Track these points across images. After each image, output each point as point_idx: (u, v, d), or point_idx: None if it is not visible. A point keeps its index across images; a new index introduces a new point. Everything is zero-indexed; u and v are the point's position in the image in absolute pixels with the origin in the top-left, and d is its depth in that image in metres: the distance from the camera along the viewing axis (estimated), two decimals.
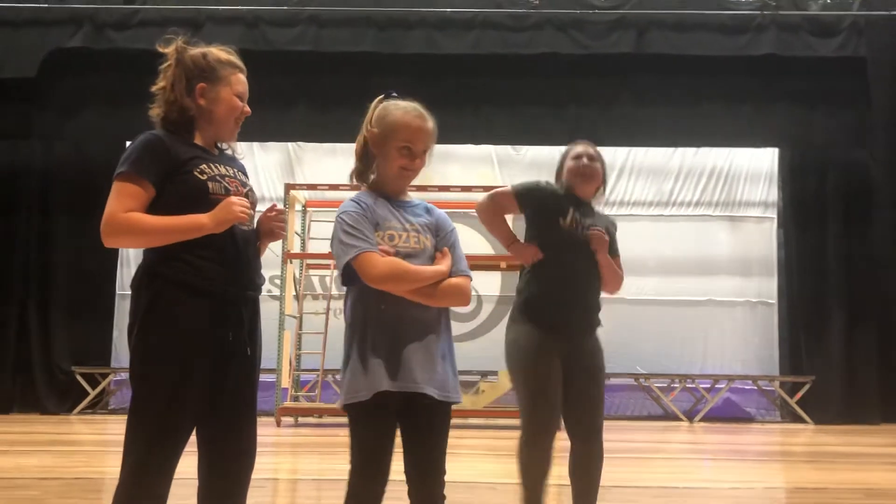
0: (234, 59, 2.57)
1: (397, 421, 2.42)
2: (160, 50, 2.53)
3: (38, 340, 10.88)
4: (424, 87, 10.94)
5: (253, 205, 2.53)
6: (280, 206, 11.19)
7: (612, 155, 11.61)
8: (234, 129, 2.57)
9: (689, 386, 11.06)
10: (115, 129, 11.03)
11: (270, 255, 10.18)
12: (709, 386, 11.01)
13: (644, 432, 9.49)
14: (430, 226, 2.54)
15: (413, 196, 2.65)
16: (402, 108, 2.54)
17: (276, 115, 11.32)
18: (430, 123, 2.55)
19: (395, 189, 2.57)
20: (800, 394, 10.74)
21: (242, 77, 2.57)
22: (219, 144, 2.60)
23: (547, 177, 12.36)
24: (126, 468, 2.32)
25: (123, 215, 2.31)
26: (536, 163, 11.55)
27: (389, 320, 2.41)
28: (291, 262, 9.92)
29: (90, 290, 11.03)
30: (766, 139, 11.53)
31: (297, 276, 10.48)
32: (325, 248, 10.36)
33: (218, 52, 2.55)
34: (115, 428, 9.23)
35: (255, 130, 11.34)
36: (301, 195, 10.56)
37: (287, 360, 9.62)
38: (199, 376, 2.33)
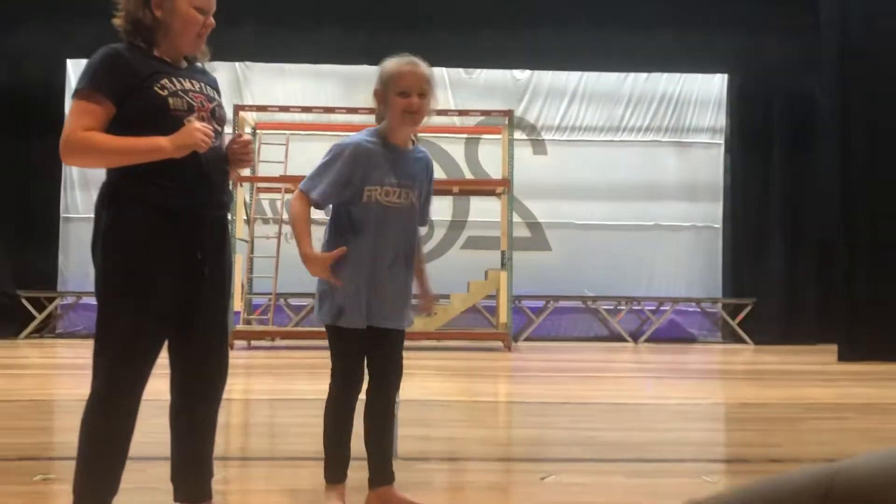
0: None
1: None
2: None
3: None
4: (376, 9, 10.75)
5: (220, 120, 2.48)
6: (227, 129, 10.97)
7: (565, 80, 11.60)
8: (197, 42, 2.45)
9: (636, 308, 11.34)
10: (54, 47, 10.67)
11: None
12: (654, 308, 11.31)
13: (591, 352, 9.75)
14: (419, 178, 2.77)
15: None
16: (394, 60, 2.69)
17: (224, 34, 10.96)
18: (422, 68, 2.67)
19: (402, 137, 2.73)
20: (741, 315, 11.11)
21: None
22: (189, 57, 2.51)
23: (500, 100, 12.18)
24: (95, 383, 2.33)
25: (81, 134, 2.27)
26: (489, 85, 11.50)
27: (365, 250, 2.67)
28: (242, 186, 9.81)
29: (33, 215, 10.80)
30: (715, 65, 11.62)
31: (248, 200, 10.38)
32: (276, 171, 10.29)
33: None
34: (64, 352, 9.17)
35: None
36: (250, 117, 10.38)
37: (239, 284, 9.59)
38: (163, 291, 2.33)
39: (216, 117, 2.45)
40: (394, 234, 2.69)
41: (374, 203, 2.66)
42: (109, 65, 2.31)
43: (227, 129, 11.91)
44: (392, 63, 2.67)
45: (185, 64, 2.48)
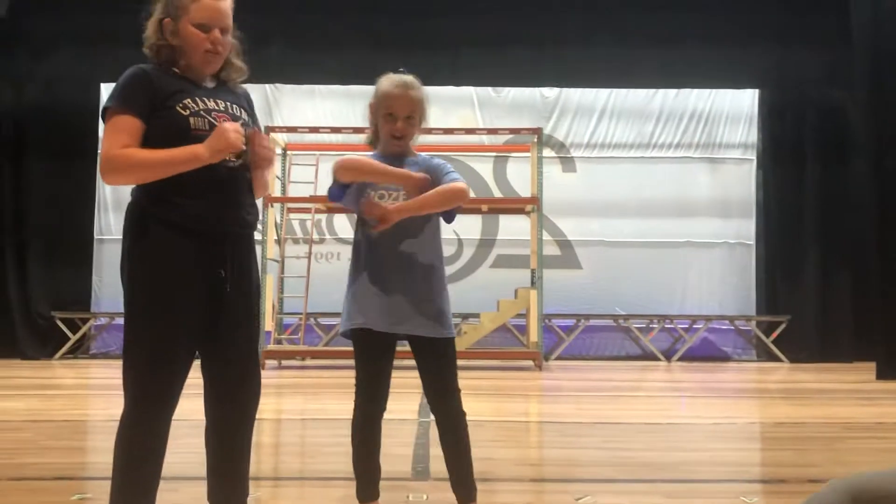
0: None
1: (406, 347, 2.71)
2: None
3: (15, 286, 10.81)
4: (405, 29, 10.81)
5: (249, 138, 2.46)
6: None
7: (593, 97, 11.58)
8: (208, 58, 2.44)
9: (668, 326, 11.22)
10: (88, 71, 10.86)
11: None
12: (687, 326, 11.18)
13: (623, 371, 9.64)
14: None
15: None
16: (389, 80, 2.71)
17: (253, 56, 11.11)
18: (414, 92, 2.69)
19: (392, 152, 2.73)
20: (776, 333, 10.94)
21: (209, 3, 2.43)
22: (221, 76, 2.53)
23: (528, 118, 12.20)
24: (126, 405, 2.35)
25: (120, 152, 2.31)
26: (517, 104, 11.50)
27: (379, 255, 2.64)
28: (273, 206, 9.88)
29: (68, 236, 10.95)
30: (746, 80, 11.53)
31: (278, 220, 10.45)
32: (306, 191, 10.35)
33: None
34: (97, 372, 9.26)
35: None
36: (280, 138, 10.47)
37: (270, 304, 9.64)
38: (188, 311, 2.35)
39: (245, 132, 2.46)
40: (392, 237, 2.61)
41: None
42: (135, 81, 2.36)
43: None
44: (385, 83, 2.71)
45: (212, 84, 2.50)
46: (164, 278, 2.33)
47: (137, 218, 2.37)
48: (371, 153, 2.78)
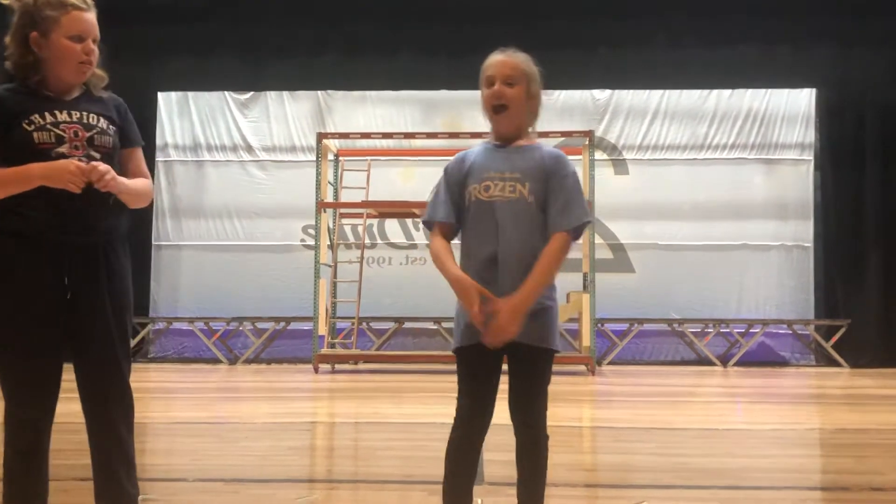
0: None
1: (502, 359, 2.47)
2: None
3: None
4: (453, 34, 10.84)
5: (102, 147, 2.47)
6: (310, 156, 11.01)
7: (646, 98, 11.46)
8: (81, 69, 2.47)
9: (724, 331, 11.03)
10: (144, 80, 11.07)
11: (305, 204, 10.24)
12: (743, 330, 10.97)
13: (678, 376, 9.51)
14: (534, 172, 2.41)
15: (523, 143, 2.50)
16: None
17: (305, 64, 11.30)
18: (515, 55, 2.47)
19: (500, 132, 2.47)
20: (835, 337, 10.68)
21: (79, 14, 2.44)
22: (88, 85, 2.54)
23: (580, 120, 12.13)
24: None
25: None
26: (569, 106, 11.43)
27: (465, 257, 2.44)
28: (325, 212, 9.98)
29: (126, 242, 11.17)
30: (803, 79, 11.29)
31: (331, 225, 10.55)
32: (358, 196, 10.43)
33: None
34: (155, 376, 9.43)
35: (285, 79, 11.43)
36: (333, 144, 10.57)
37: (323, 309, 9.73)
38: (30, 319, 2.41)
39: (95, 144, 2.46)
40: (492, 230, 2.36)
41: (473, 202, 2.41)
42: None
43: (301, 157, 12.10)
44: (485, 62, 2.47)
45: (77, 92, 2.53)
46: (8, 294, 2.40)
47: None
48: (485, 142, 2.52)
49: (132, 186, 2.52)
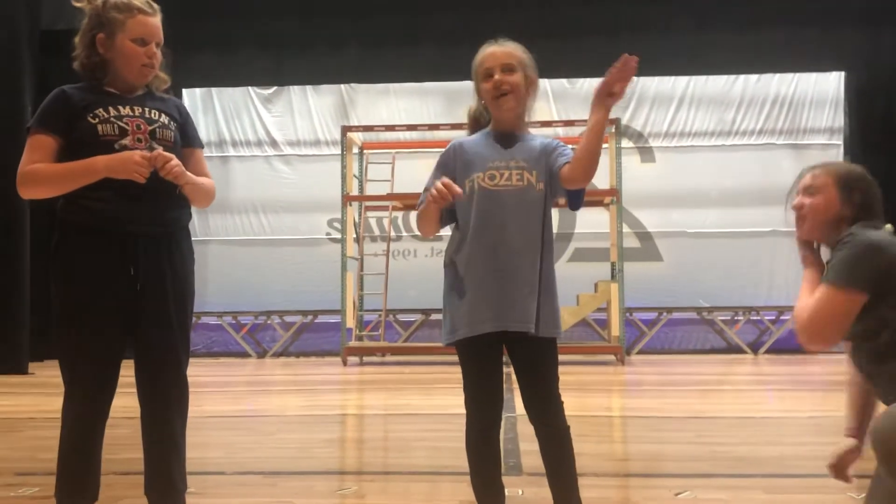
0: (135, 1, 2.52)
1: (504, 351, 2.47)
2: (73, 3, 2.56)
3: None
4: (475, 24, 10.75)
5: (164, 140, 2.51)
6: (335, 149, 11.04)
7: (671, 84, 11.34)
8: (144, 71, 2.55)
9: (754, 318, 10.91)
10: (171, 76, 11.09)
11: (331, 198, 10.25)
12: (773, 318, 10.85)
13: (708, 365, 9.42)
14: (538, 157, 2.47)
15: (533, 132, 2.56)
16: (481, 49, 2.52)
17: (328, 58, 11.28)
18: (508, 44, 2.51)
19: (504, 121, 2.50)
20: None
21: (144, 19, 2.51)
22: (149, 86, 2.61)
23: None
24: (64, 395, 2.50)
25: (28, 169, 2.44)
26: (592, 94, 11.32)
27: (464, 249, 2.44)
28: (350, 205, 9.97)
29: None
30: (831, 63, 11.11)
31: (357, 218, 10.54)
32: (383, 189, 10.41)
33: None
34: (199, 371, 9.49)
35: (308, 73, 11.43)
36: (357, 137, 10.55)
37: (351, 301, 9.74)
38: (99, 311, 2.43)
39: (157, 138, 2.50)
40: (498, 218, 2.38)
41: (476, 191, 2.41)
42: (53, 103, 2.48)
43: (325, 151, 12.07)
44: (479, 52, 2.50)
45: (139, 92, 2.59)
46: (74, 283, 2.43)
47: (56, 223, 2.49)
48: (483, 132, 2.54)
49: (198, 181, 2.56)
